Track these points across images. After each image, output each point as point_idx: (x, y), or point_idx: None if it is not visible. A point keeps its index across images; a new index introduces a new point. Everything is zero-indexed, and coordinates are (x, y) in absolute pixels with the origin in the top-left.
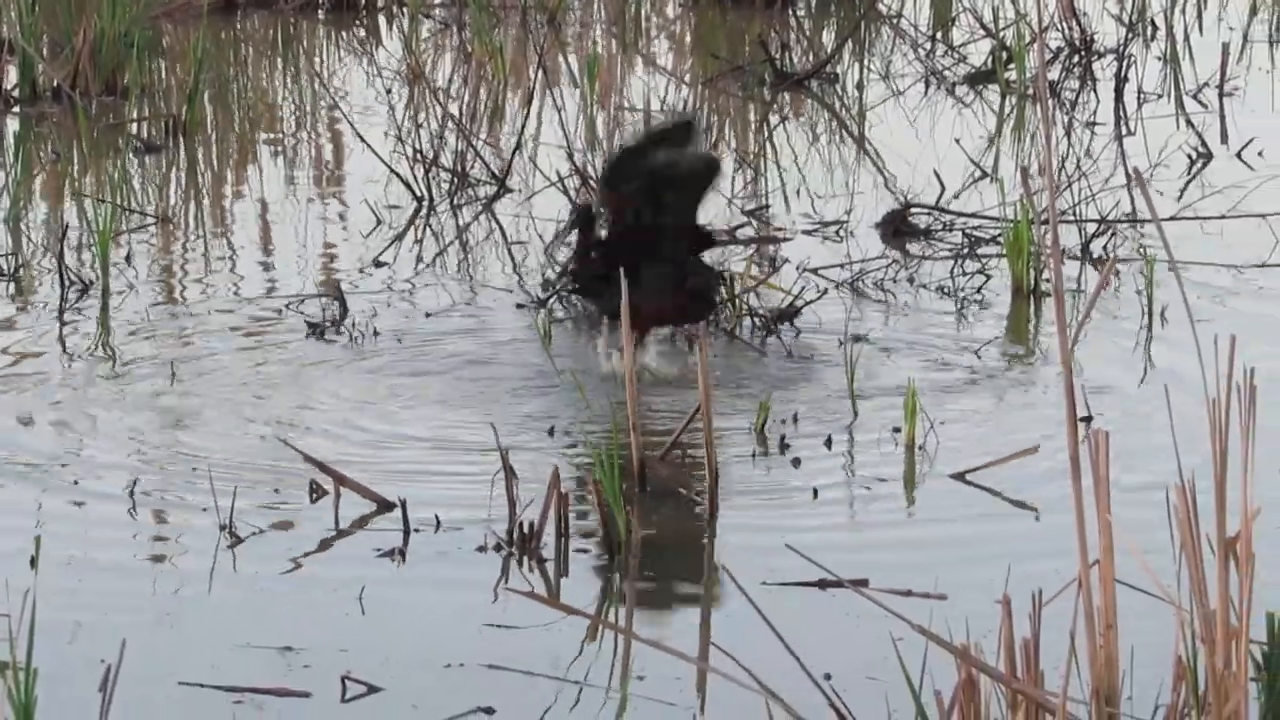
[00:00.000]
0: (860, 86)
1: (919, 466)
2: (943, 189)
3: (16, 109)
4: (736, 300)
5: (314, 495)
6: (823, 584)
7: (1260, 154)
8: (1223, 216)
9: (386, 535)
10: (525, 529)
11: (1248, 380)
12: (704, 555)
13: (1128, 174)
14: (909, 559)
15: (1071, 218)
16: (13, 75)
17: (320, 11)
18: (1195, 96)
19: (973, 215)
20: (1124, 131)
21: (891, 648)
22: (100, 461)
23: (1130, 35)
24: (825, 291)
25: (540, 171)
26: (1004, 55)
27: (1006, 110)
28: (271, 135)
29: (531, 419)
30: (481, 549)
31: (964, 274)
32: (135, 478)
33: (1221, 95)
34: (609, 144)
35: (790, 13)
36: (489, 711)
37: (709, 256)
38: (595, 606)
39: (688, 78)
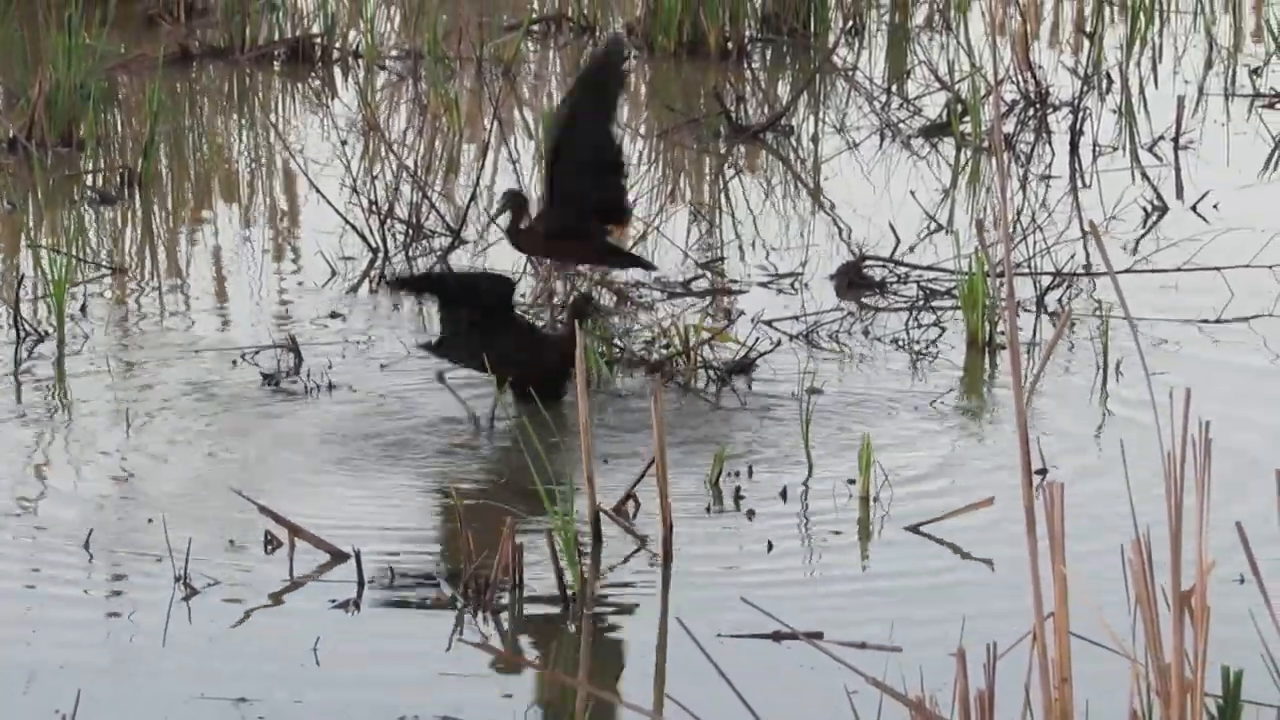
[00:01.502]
0: (815, 139)
1: (874, 518)
2: (898, 241)
3: None
4: (691, 352)
5: (269, 546)
6: (778, 636)
7: (1215, 207)
8: (1178, 269)
9: (341, 586)
10: (479, 581)
11: (1202, 434)
12: (659, 607)
13: (1083, 227)
14: (864, 611)
15: (1027, 270)
16: None
17: (276, 63)
18: (1151, 150)
19: (928, 268)
20: (1079, 184)
21: (846, 700)
22: (55, 511)
23: (1085, 88)
24: (779, 343)
25: (496, 224)
26: (959, 108)
27: (962, 163)
28: (227, 187)
29: (486, 471)
30: (436, 600)
31: (919, 326)
32: (90, 528)
33: (1177, 148)
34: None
35: (745, 65)
36: None
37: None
38: (549, 658)
39: (643, 130)
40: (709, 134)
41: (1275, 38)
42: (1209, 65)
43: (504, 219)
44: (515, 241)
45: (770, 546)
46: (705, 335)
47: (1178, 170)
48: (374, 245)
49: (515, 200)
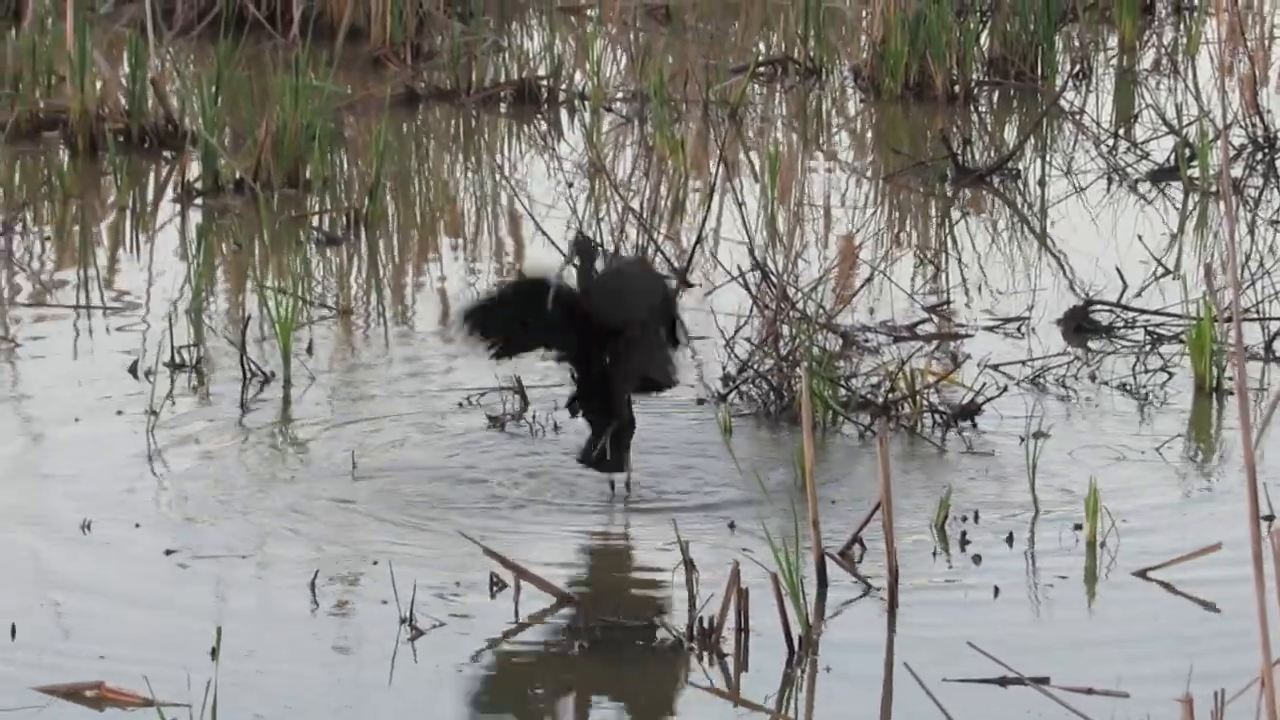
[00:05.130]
0: (1042, 183)
1: (1100, 563)
2: (1125, 286)
3: (199, 201)
4: (917, 396)
5: (494, 589)
6: (1004, 681)
7: None
8: None
9: (566, 629)
10: (705, 624)
11: None
12: (884, 651)
13: None
14: (1090, 656)
15: (1255, 315)
16: (195, 167)
17: (502, 104)
18: None
19: (1155, 312)
20: None
21: None
22: (281, 552)
23: None
24: (1006, 388)
25: (721, 266)
26: (1187, 152)
27: (1189, 207)
28: (452, 228)
29: (712, 513)
30: (661, 643)
31: (1146, 371)
32: (316, 570)
33: None
34: (789, 240)
35: (972, 108)
36: None
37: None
38: (775, 702)
39: (869, 173)
40: (935, 177)
41: None
42: None
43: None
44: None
45: (997, 592)
46: (931, 379)
47: None
48: None
49: (584, 247)
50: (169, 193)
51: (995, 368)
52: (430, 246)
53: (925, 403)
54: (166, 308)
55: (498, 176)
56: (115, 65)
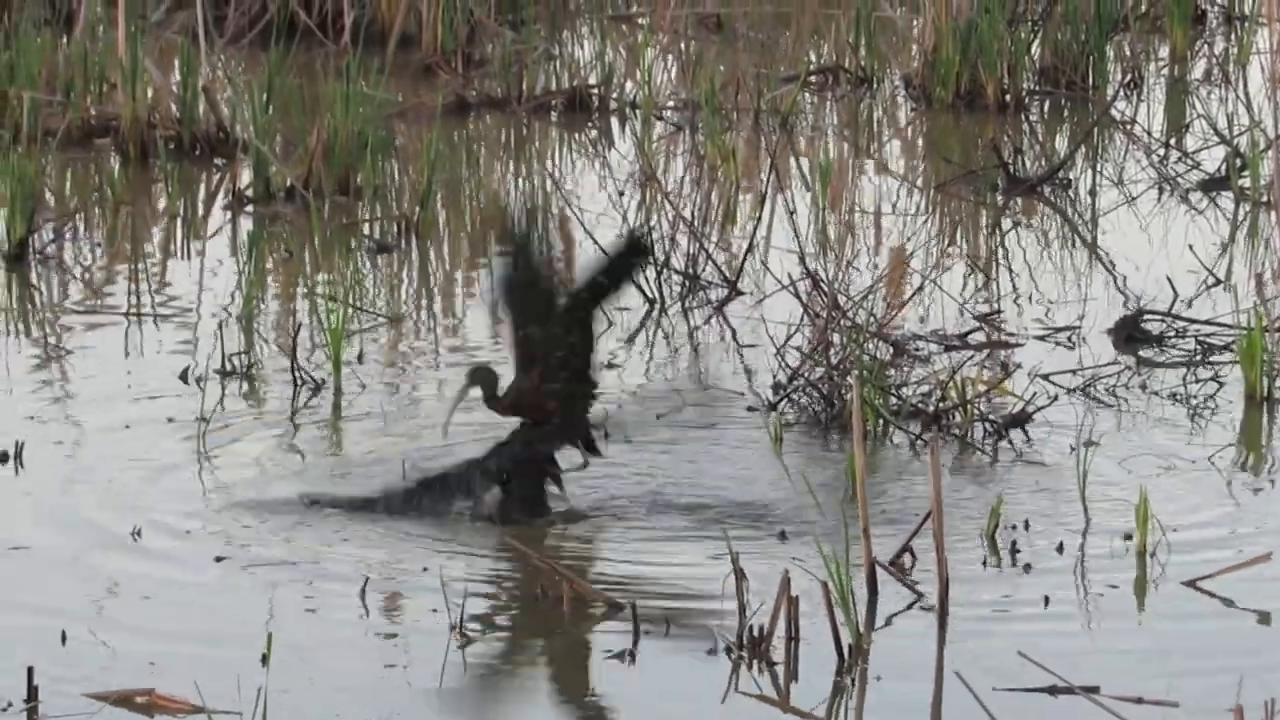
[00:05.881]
0: (1093, 192)
1: (1151, 573)
2: (1175, 295)
3: (250, 208)
4: (968, 405)
5: (544, 597)
6: (1054, 690)
7: None
8: None
9: (616, 637)
10: (755, 632)
11: None
12: (935, 660)
13: None
14: (1141, 666)
15: None
16: (247, 175)
17: (553, 113)
18: None
19: (1206, 322)
20: None
21: None
22: (330, 560)
23: None
24: (1056, 397)
25: (772, 274)
26: (1238, 162)
27: (1240, 217)
28: (502, 235)
29: (761, 521)
30: (711, 651)
31: (1196, 381)
32: (366, 577)
33: None
34: (840, 248)
35: (1023, 118)
36: None
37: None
38: (825, 710)
39: (919, 182)
40: (986, 186)
41: None
42: None
43: (475, 393)
44: (492, 408)
45: (1047, 601)
46: (982, 388)
47: None
48: (650, 296)
49: (480, 377)
50: (220, 200)
51: (1046, 377)
52: (481, 254)
53: (976, 412)
54: (218, 315)
55: (548, 184)
56: (167, 73)
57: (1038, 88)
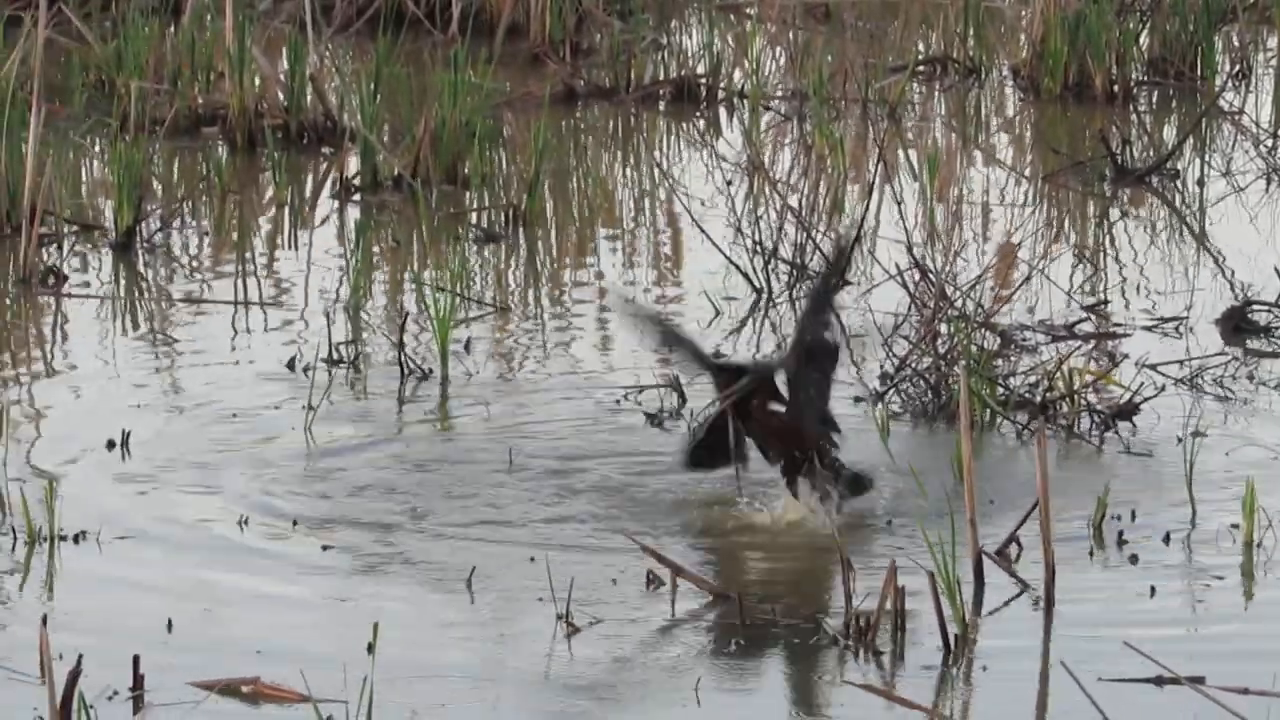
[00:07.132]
0: (1201, 183)
1: (1257, 563)
2: None
3: (358, 197)
4: (1075, 396)
5: (651, 585)
6: (1160, 681)
7: None
8: None
9: (723, 627)
10: (861, 622)
11: None
12: (1040, 651)
13: None
14: (1247, 656)
15: None
16: (354, 164)
17: (661, 102)
18: None
19: None
20: None
21: None
22: (439, 550)
23: None
24: (1164, 388)
25: (879, 264)
26: None
27: None
28: (610, 226)
29: (869, 511)
30: (818, 641)
31: None
32: (473, 567)
33: None
34: (948, 238)
35: (1131, 108)
36: None
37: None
38: (931, 700)
39: (1027, 172)
40: (1094, 177)
41: None
42: None
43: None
44: (738, 412)
45: (1153, 591)
46: (1089, 378)
47: None
48: (758, 286)
49: (763, 380)
50: (327, 189)
51: (1153, 367)
52: (588, 244)
53: (1083, 402)
54: (325, 304)
55: (656, 174)
56: (274, 62)
57: (1146, 78)
